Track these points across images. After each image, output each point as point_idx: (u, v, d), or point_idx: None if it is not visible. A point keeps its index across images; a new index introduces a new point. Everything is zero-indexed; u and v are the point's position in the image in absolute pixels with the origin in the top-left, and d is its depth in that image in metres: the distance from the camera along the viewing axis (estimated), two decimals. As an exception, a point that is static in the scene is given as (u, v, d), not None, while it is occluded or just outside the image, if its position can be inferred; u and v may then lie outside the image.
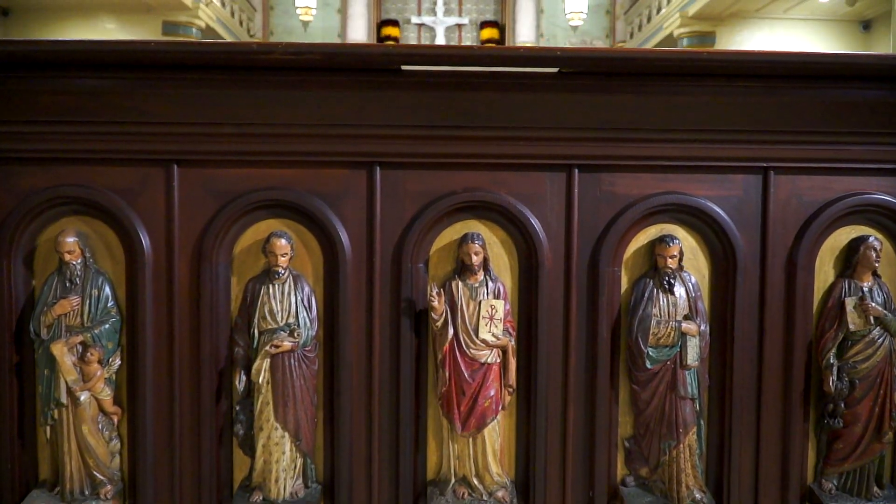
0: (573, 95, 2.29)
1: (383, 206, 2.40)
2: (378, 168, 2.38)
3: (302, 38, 21.30)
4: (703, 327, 2.42)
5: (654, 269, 2.44)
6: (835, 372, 2.43)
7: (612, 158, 2.39)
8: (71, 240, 2.34)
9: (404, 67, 2.24)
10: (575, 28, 16.65)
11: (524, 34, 21.28)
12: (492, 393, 2.39)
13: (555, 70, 2.26)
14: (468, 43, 21.98)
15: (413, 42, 22.64)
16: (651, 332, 2.39)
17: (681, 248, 2.40)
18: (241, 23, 19.38)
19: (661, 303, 2.41)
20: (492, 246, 2.44)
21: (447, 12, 22.38)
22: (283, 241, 2.35)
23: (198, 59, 2.21)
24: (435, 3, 22.19)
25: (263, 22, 21.28)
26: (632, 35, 21.41)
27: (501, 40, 22.34)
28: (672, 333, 2.39)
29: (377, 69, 2.25)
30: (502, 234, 2.46)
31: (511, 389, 2.44)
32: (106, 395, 2.39)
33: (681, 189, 2.43)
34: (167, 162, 2.36)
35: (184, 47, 2.25)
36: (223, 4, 17.76)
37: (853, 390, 2.44)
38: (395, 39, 22.11)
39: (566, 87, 2.28)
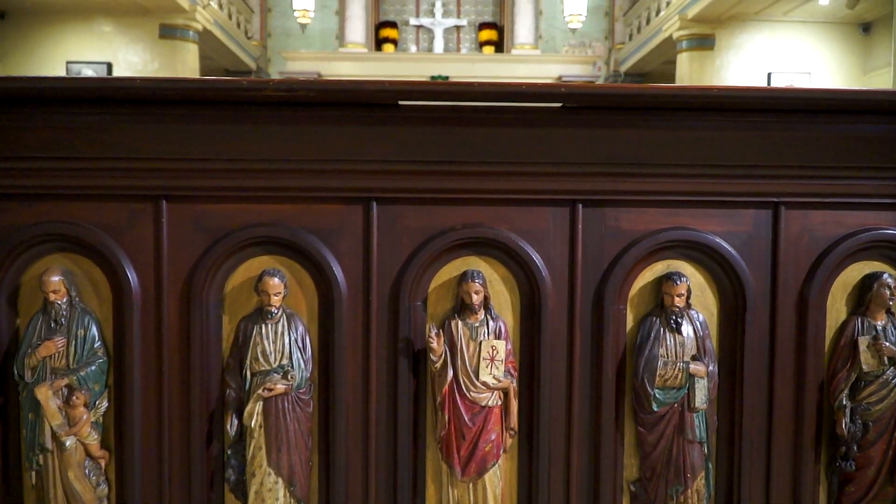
0: (577, 130, 2.20)
1: (380, 243, 2.32)
2: (374, 203, 2.29)
3: (300, 40, 21.29)
4: (711, 368, 2.34)
5: (661, 307, 2.36)
6: (847, 414, 2.35)
7: (618, 193, 2.31)
8: (56, 279, 2.26)
9: (401, 102, 2.16)
10: (574, 30, 16.61)
11: (523, 36, 21.25)
12: (493, 437, 2.31)
13: (558, 104, 2.17)
14: (466, 44, 21.94)
15: (411, 42, 22.65)
16: (658, 373, 2.30)
17: (688, 286, 2.32)
18: (238, 25, 19.32)
19: (668, 343, 2.33)
20: (492, 283, 2.36)
21: (445, 14, 22.35)
22: (276, 280, 2.27)
23: (184, 95, 2.12)
24: (433, 5, 22.16)
25: (261, 24, 21.23)
26: (630, 37, 21.38)
27: (500, 42, 22.32)
28: (679, 375, 2.30)
29: (373, 104, 2.16)
30: (503, 270, 2.37)
31: (513, 432, 2.36)
32: (93, 439, 2.30)
33: (688, 224, 2.34)
34: (156, 197, 2.28)
35: (169, 84, 2.15)
36: (220, 7, 17.71)
37: (866, 433, 2.36)
38: (394, 41, 22.09)
39: (569, 121, 2.19)
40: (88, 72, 15.79)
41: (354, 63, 16.90)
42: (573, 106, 2.17)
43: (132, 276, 2.30)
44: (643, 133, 2.21)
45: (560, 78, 16.34)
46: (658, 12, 18.58)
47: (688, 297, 2.33)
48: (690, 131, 2.22)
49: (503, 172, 2.26)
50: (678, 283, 2.30)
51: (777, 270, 2.36)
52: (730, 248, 2.34)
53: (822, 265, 2.36)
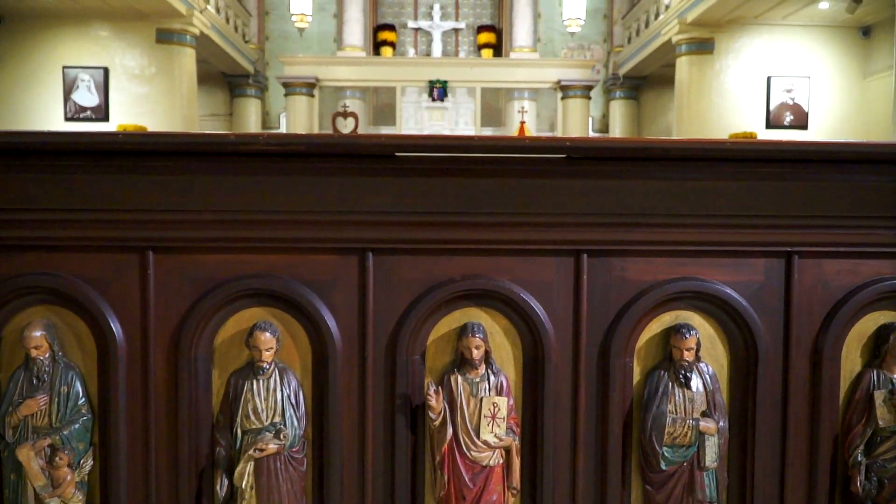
0: (581, 181, 2.11)
1: (376, 295, 2.22)
2: (370, 254, 2.20)
3: (298, 43, 21.19)
4: (721, 423, 2.24)
5: (669, 359, 2.26)
6: (863, 471, 2.26)
7: (624, 243, 2.21)
8: (37, 334, 2.16)
9: (398, 153, 2.06)
10: (572, 34, 16.53)
11: (521, 39, 21.18)
12: (494, 497, 2.21)
13: (562, 155, 2.08)
14: (465, 47, 21.86)
15: (409, 45, 22.56)
16: (666, 431, 2.21)
17: (698, 340, 2.23)
18: (236, 28, 19.24)
19: (677, 398, 2.23)
20: (494, 335, 2.27)
21: (444, 17, 22.28)
22: (268, 335, 2.17)
23: (167, 148, 2.03)
24: (431, 8, 22.08)
25: (259, 27, 21.14)
26: (629, 40, 21.33)
27: (498, 44, 22.26)
28: (689, 433, 2.21)
29: (369, 156, 2.07)
30: (505, 322, 2.28)
31: (515, 491, 2.26)
32: (77, 500, 2.20)
33: (697, 274, 2.25)
34: (142, 248, 2.18)
35: (151, 139, 2.06)
36: (218, 11, 17.63)
37: (882, 490, 2.27)
38: (392, 44, 22.01)
39: (573, 172, 2.10)
40: (85, 76, 15.70)
41: (352, 67, 16.80)
42: (577, 157, 2.08)
43: (117, 329, 2.20)
44: (650, 183, 2.12)
45: (559, 82, 16.25)
46: (657, 15, 18.52)
47: (697, 351, 2.24)
48: (699, 181, 2.13)
49: (505, 223, 2.16)
50: (687, 336, 2.21)
51: (790, 322, 2.27)
52: (740, 299, 2.25)
53: (837, 316, 2.27)
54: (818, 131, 17.34)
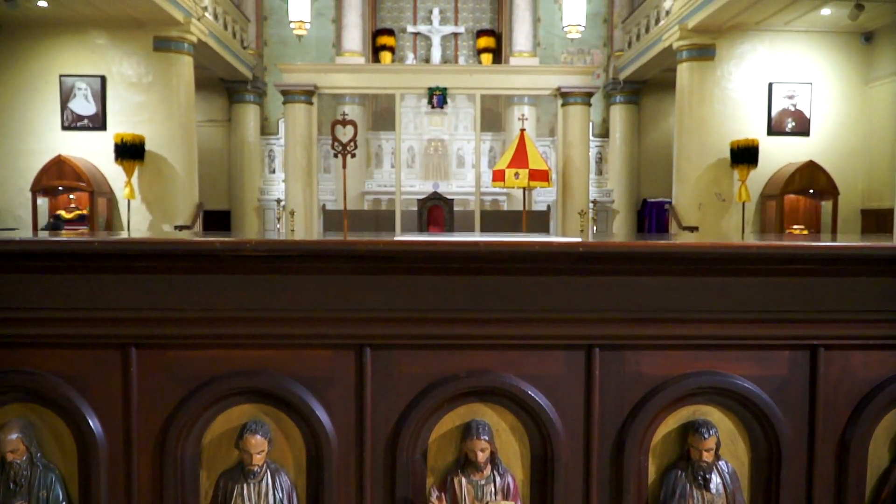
0: (594, 278, 1.97)
1: (375, 391, 2.08)
2: (368, 349, 2.06)
3: (296, 49, 21.04)
4: (742, 526, 2.11)
5: (687, 458, 2.13)
6: (892, 576, 2.13)
7: (638, 338, 2.07)
8: (13, 437, 2.02)
9: (397, 238, 1.92)
10: (572, 39, 16.40)
11: (521, 43, 21.04)
12: None
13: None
14: (464, 51, 21.69)
15: (408, 50, 22.40)
16: (684, 536, 2.08)
17: (718, 439, 2.09)
18: (234, 34, 19.10)
19: (696, 500, 2.09)
20: (500, 433, 2.13)
21: (443, 21, 22.13)
22: (259, 437, 2.03)
23: (146, 254, 1.89)
24: (431, 13, 21.93)
25: (257, 32, 20.99)
26: (629, 44, 21.19)
27: (498, 49, 22.10)
28: (708, 538, 2.08)
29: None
30: (512, 418, 2.14)
31: None
32: None
33: (717, 368, 2.11)
34: (124, 345, 2.04)
35: (128, 246, 1.92)
36: (216, 17, 17.50)
37: None
38: (391, 49, 21.86)
39: (586, 269, 1.96)
40: (82, 85, 15.58)
41: (351, 75, 16.63)
42: (590, 258, 1.94)
43: (98, 429, 2.06)
44: (666, 280, 1.98)
45: (559, 89, 16.10)
46: (657, 20, 18.38)
47: (717, 450, 2.10)
48: (718, 277, 1.98)
49: (512, 319, 2.02)
50: (707, 436, 2.07)
51: (815, 417, 2.13)
52: (762, 394, 2.11)
53: (866, 410, 2.13)
54: (820, 138, 17.24)
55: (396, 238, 1.92)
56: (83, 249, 1.90)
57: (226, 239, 1.87)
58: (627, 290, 1.99)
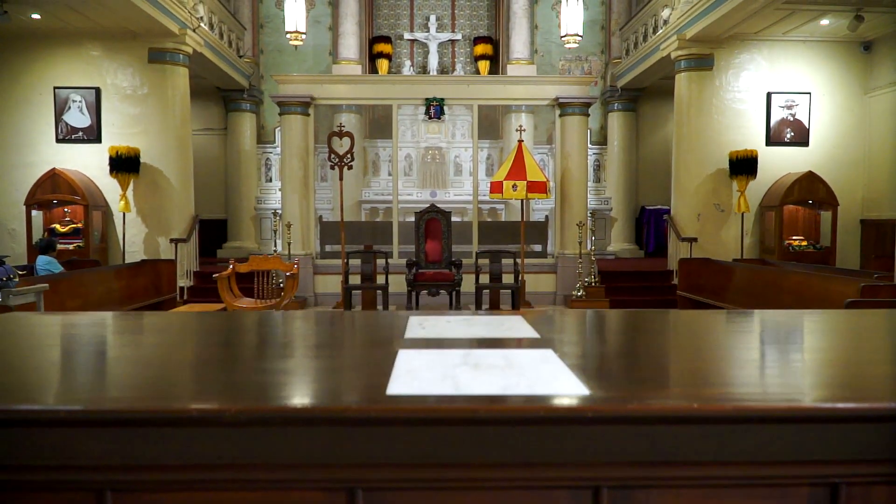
0: (602, 427, 1.84)
1: (368, 535, 1.96)
2: (360, 492, 1.93)
3: (292, 57, 20.90)
4: None
5: None
6: None
7: (648, 480, 1.94)
8: (-19, 588, 1.90)
9: (390, 393, 1.80)
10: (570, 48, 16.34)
11: (518, 51, 20.95)
12: None
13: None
14: (461, 58, 21.56)
15: (405, 57, 22.31)
16: None
17: (733, 584, 1.97)
18: (230, 43, 18.99)
19: None
20: (500, 575, 2.00)
21: (440, 28, 22.03)
22: (244, 588, 1.91)
23: (119, 421, 1.76)
24: (427, 19, 21.83)
25: (253, 41, 20.86)
26: (627, 52, 21.12)
27: (496, 56, 22.01)
28: None
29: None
30: (513, 560, 2.01)
31: None
32: None
33: (731, 506, 1.99)
34: (98, 490, 1.91)
35: (99, 416, 1.78)
36: (211, 27, 17.39)
37: None
38: (388, 56, 21.75)
39: (594, 419, 1.83)
40: (76, 97, 15.47)
41: (348, 86, 16.49)
42: (600, 413, 1.81)
43: (72, 577, 1.93)
44: (678, 428, 1.85)
45: (557, 99, 15.98)
46: (655, 28, 18.27)
47: None
48: (734, 424, 1.86)
49: (515, 464, 1.89)
50: (720, 582, 1.95)
51: (835, 557, 2.01)
52: (780, 534, 1.98)
53: (888, 549, 2.01)
54: (819, 148, 17.17)
55: (388, 393, 1.78)
56: (49, 419, 1.77)
57: (203, 406, 1.74)
58: (637, 437, 1.86)
